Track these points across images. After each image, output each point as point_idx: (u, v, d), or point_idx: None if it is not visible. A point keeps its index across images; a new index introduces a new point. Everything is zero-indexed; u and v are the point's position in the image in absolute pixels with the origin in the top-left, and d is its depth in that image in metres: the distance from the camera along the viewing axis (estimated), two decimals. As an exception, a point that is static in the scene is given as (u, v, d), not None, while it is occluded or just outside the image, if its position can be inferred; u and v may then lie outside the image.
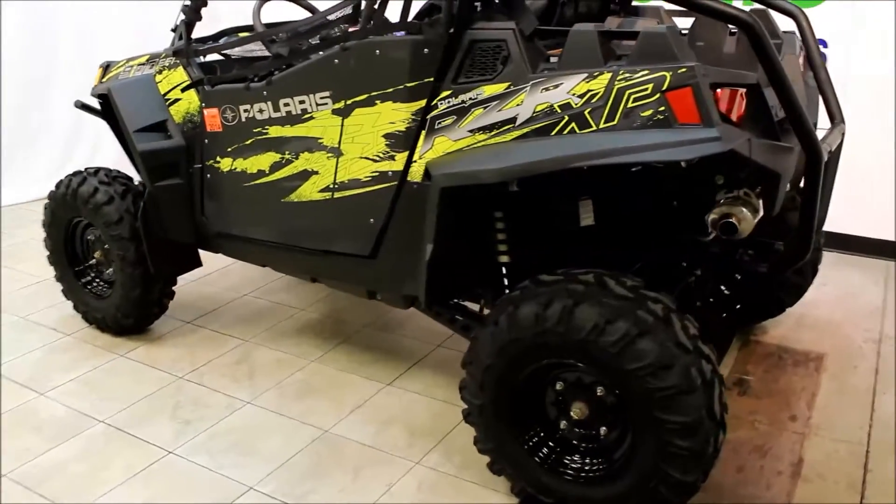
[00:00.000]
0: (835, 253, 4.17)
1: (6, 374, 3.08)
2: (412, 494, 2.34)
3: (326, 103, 2.47)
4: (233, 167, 2.82)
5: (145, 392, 2.93)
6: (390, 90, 2.30)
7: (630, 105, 1.91)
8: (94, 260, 3.32)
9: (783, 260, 2.45)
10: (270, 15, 3.05)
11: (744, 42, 2.83)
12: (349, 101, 2.41)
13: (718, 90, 1.91)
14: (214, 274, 3.99)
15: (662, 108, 1.87)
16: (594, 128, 1.96)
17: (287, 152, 2.63)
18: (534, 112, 2.05)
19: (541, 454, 2.16)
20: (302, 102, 2.53)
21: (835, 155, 2.52)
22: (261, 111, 2.66)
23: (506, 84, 2.11)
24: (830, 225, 4.10)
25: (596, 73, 1.96)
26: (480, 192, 2.24)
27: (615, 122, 1.93)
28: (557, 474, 2.13)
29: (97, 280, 3.35)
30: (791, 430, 2.64)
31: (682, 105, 1.85)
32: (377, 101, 2.34)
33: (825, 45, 3.95)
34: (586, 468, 2.12)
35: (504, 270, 2.50)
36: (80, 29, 5.53)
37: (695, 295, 2.65)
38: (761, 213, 2.22)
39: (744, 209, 2.23)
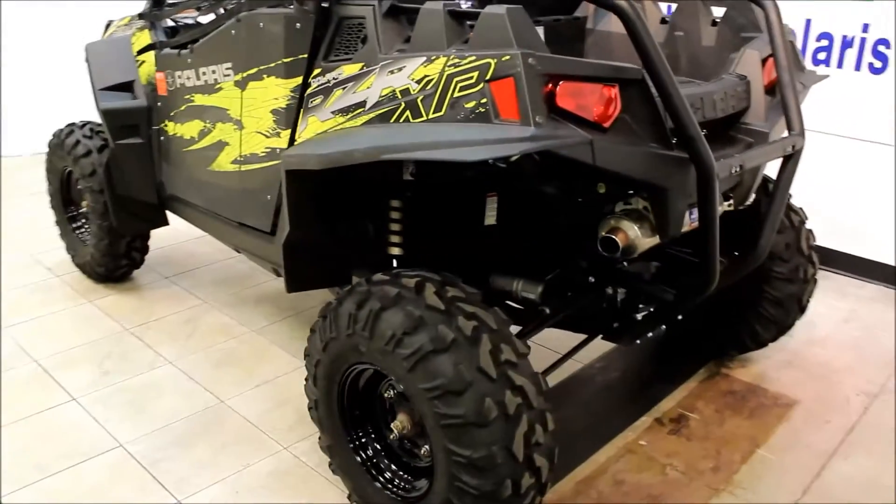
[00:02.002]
0: (879, 286, 3.60)
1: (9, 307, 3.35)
2: (259, 479, 2.29)
3: (229, 75, 2.42)
4: (174, 132, 2.85)
5: (89, 339, 3.06)
6: (272, 65, 2.22)
7: (456, 95, 1.70)
8: (83, 208, 3.51)
9: (688, 290, 2.13)
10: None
11: (723, 34, 2.48)
12: (244, 74, 2.35)
13: (564, 83, 1.65)
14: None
15: (484, 101, 1.64)
16: (424, 117, 1.77)
17: (207, 121, 2.62)
18: (380, 96, 1.88)
19: (363, 454, 2.03)
20: (214, 73, 2.50)
21: (784, 173, 2.14)
22: (188, 78, 2.66)
23: (360, 65, 1.96)
24: (875, 254, 3.55)
25: (433, 58, 1.76)
26: (374, 178, 2.12)
27: (442, 113, 1.72)
28: (373, 479, 2.00)
29: (85, 227, 3.54)
30: (703, 483, 2.30)
31: (504, 98, 1.61)
32: (264, 76, 2.26)
33: (887, 46, 3.36)
34: (394, 483, 1.97)
35: (395, 263, 2.35)
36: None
37: (613, 312, 2.37)
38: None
39: (633, 225, 1.96)
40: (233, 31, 2.34)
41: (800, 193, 3.75)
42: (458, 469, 1.69)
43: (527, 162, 1.86)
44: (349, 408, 2.04)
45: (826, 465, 2.38)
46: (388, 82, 1.86)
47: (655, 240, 1.99)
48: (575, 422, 2.59)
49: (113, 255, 3.35)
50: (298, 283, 2.27)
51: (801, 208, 2.77)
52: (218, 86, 2.49)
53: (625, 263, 2.40)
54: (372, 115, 1.90)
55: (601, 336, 2.39)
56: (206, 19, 2.68)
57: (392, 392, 1.96)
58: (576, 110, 1.66)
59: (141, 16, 3.01)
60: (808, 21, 3.57)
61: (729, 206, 2.29)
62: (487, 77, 1.64)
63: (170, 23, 3.01)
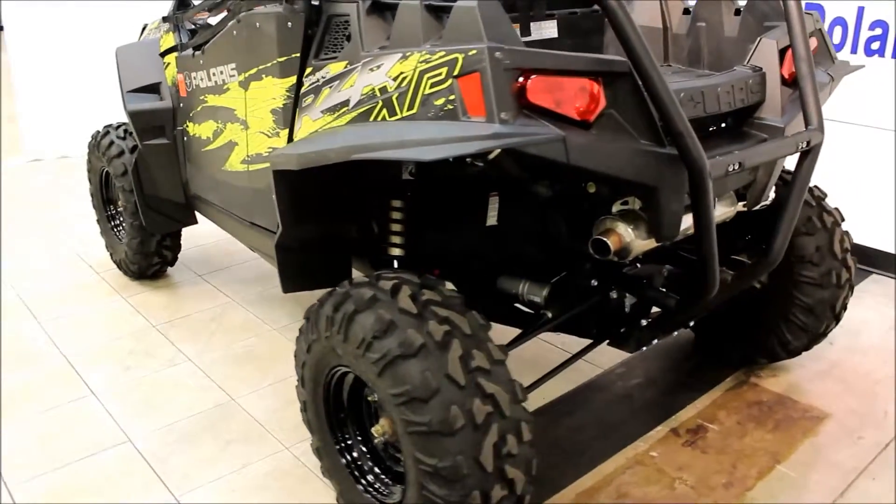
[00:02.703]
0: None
1: (26, 295, 3.49)
2: (257, 479, 2.29)
3: (234, 75, 2.44)
4: (194, 132, 2.90)
5: (117, 335, 3.16)
6: (269, 64, 2.21)
7: (427, 91, 1.64)
8: (121, 206, 3.62)
9: (690, 296, 2.02)
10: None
11: (746, 24, 2.34)
12: (246, 75, 2.36)
13: (537, 78, 1.57)
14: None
15: (453, 97, 1.58)
16: (399, 115, 1.72)
17: (219, 121, 2.65)
18: (361, 94, 1.84)
19: (348, 457, 2.01)
20: (222, 73, 2.52)
21: (801, 170, 1.99)
22: (202, 80, 2.69)
23: (345, 63, 1.93)
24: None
25: (408, 54, 1.71)
26: (377, 178, 2.10)
27: (415, 111, 1.67)
28: (356, 481, 1.98)
29: (122, 225, 3.66)
30: (713, 499, 2.17)
31: (471, 94, 1.55)
32: (263, 76, 2.26)
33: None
34: (376, 487, 1.94)
35: (395, 264, 2.32)
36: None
37: (619, 317, 2.26)
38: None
39: (627, 227, 1.86)
40: (234, 32, 2.36)
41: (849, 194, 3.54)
42: (424, 478, 1.64)
43: (507, 161, 1.79)
44: (335, 410, 2.02)
45: (852, 484, 2.22)
46: (368, 80, 1.82)
47: (651, 242, 1.88)
48: (585, 430, 2.49)
49: (144, 254, 3.44)
50: (293, 283, 2.26)
51: (836, 209, 2.59)
52: (226, 86, 2.52)
53: (637, 265, 2.30)
54: (354, 113, 1.87)
55: (607, 342, 2.29)
56: (217, 21, 2.70)
57: (375, 395, 1.93)
58: (553, 106, 1.58)
59: (165, 18, 3.07)
60: (861, 9, 3.34)
61: (743, 206, 2.16)
62: (455, 73, 1.58)
63: (191, 25, 3.07)
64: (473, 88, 1.54)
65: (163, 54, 3.05)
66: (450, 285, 1.85)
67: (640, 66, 1.60)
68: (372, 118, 1.80)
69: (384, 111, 1.76)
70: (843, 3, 3.37)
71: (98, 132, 3.51)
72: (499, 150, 1.69)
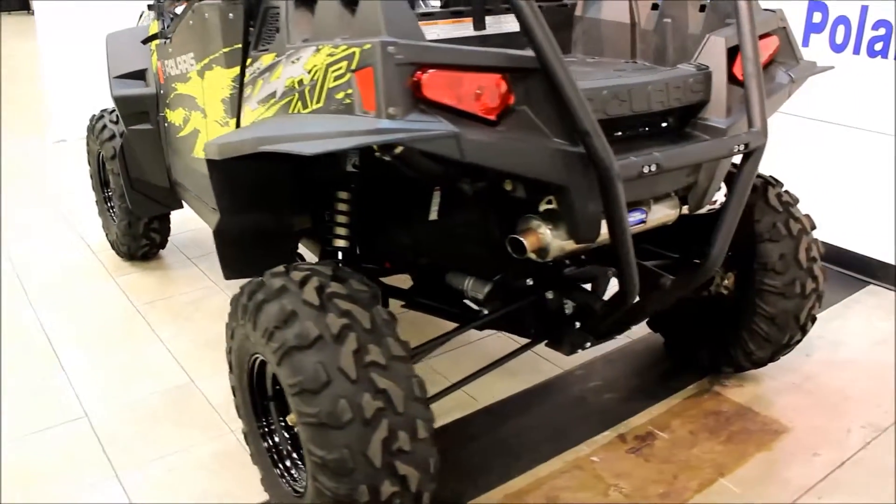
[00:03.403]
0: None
1: (22, 272, 3.62)
2: (199, 460, 2.34)
3: (193, 64, 2.47)
4: (170, 119, 2.96)
5: (99, 315, 3.26)
6: (217, 55, 2.24)
7: (331, 85, 1.64)
8: (111, 189, 3.72)
9: (613, 301, 1.97)
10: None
11: (710, 20, 2.26)
12: (201, 64, 2.39)
13: (433, 73, 1.54)
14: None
15: (350, 91, 1.58)
16: (309, 108, 1.72)
17: (186, 109, 2.69)
18: (284, 87, 1.85)
19: (269, 442, 2.04)
20: (184, 62, 2.56)
21: (742, 174, 1.92)
22: (172, 67, 2.74)
23: (274, 55, 1.94)
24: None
25: (320, 47, 1.70)
26: (323, 171, 2.11)
27: (321, 104, 1.67)
28: (274, 466, 2.00)
29: (116, 207, 3.76)
30: (645, 509, 2.13)
31: (366, 88, 1.54)
32: (213, 66, 2.29)
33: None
34: (290, 474, 1.96)
35: (339, 256, 2.33)
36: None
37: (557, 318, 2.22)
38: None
39: (546, 226, 1.83)
40: (190, 22, 2.39)
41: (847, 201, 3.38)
42: (315, 469, 1.65)
43: (416, 156, 1.76)
44: (260, 396, 2.04)
45: (795, 503, 2.13)
46: (290, 72, 1.83)
47: (571, 244, 1.84)
48: (531, 431, 2.46)
49: (133, 236, 3.53)
50: (233, 270, 2.29)
51: (806, 216, 2.48)
52: (188, 75, 2.55)
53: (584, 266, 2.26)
54: (278, 105, 1.88)
55: (545, 343, 2.25)
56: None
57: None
58: (454, 102, 1.56)
59: (150, 6, 3.13)
60: (865, 8, 3.18)
61: (685, 209, 2.09)
62: (353, 67, 1.57)
63: (178, 11, 3.12)
64: (367, 83, 1.53)
65: (146, 41, 3.12)
66: (362, 278, 1.84)
67: (545, 63, 1.56)
68: (290, 110, 1.81)
69: (299, 103, 1.76)
70: (846, 3, 3.22)
71: (94, 115, 3.61)
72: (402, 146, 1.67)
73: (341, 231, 2.30)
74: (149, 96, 3.14)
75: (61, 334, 3.11)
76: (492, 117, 1.61)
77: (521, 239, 1.82)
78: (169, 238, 3.74)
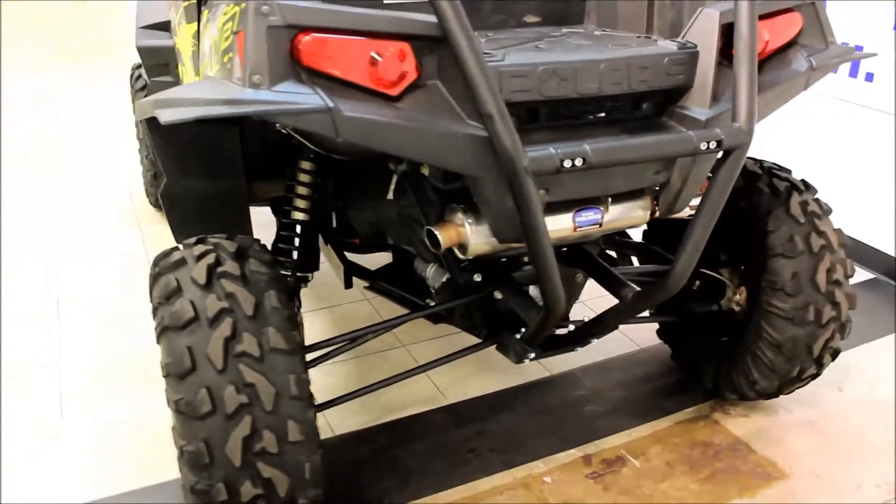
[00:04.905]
0: None
1: (56, 218, 3.75)
2: (143, 419, 2.31)
3: (176, 18, 2.39)
4: (179, 72, 2.91)
5: (111, 264, 3.31)
6: (182, 8, 2.14)
7: (223, 47, 1.49)
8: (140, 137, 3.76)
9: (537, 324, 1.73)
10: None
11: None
12: (178, 17, 2.30)
13: (314, 38, 1.35)
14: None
15: (231, 55, 1.42)
16: (213, 71, 1.58)
17: (181, 63, 2.62)
18: (208, 47, 1.71)
19: None
20: (177, 15, 2.48)
21: (717, 178, 1.60)
22: (174, 20, 2.67)
23: (208, 11, 1.80)
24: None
25: (228, 5, 1.54)
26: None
27: (218, 68, 1.53)
28: None
29: (144, 157, 3.80)
30: (582, 545, 1.89)
31: (241, 52, 1.37)
32: (181, 21, 2.20)
33: None
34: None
35: (298, 229, 2.19)
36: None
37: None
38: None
39: (466, 221, 1.63)
40: (168, -27, 2.30)
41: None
42: (179, 457, 1.55)
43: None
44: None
45: (760, 565, 1.83)
46: (212, 31, 1.68)
47: (495, 243, 1.62)
48: (488, 437, 2.25)
49: (157, 186, 3.56)
50: (183, 234, 2.20)
51: (837, 230, 2.10)
52: (177, 28, 2.48)
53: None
54: (202, 66, 1.76)
55: (496, 347, 2.04)
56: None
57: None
58: (337, 72, 1.37)
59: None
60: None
61: (655, 214, 1.79)
62: (235, 28, 1.41)
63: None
64: (241, 46, 1.37)
65: None
66: (269, 259, 1.70)
67: (447, 32, 1.34)
68: (202, 73, 1.68)
69: (210, 65, 1.63)
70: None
71: (134, 65, 3.64)
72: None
73: (301, 203, 2.16)
74: (169, 48, 3.10)
75: (68, 279, 3.17)
76: (392, 92, 1.41)
77: (436, 232, 1.62)
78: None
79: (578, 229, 1.70)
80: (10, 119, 5.34)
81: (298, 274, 2.17)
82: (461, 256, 1.68)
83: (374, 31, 1.37)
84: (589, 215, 1.70)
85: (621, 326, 2.17)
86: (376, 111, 1.38)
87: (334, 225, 2.44)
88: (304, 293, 3.01)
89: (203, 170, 2.08)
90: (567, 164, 1.41)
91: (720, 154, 1.60)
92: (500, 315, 1.97)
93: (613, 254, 2.37)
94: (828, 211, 2.12)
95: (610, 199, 1.72)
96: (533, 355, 1.89)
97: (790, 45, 1.82)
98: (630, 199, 1.75)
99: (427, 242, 1.67)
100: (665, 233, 2.28)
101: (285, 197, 2.19)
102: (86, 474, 2.12)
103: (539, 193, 1.55)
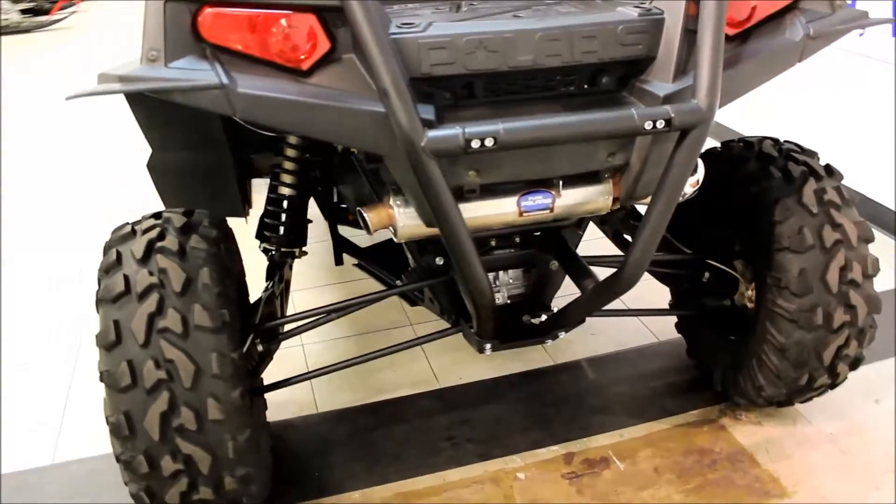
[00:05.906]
0: None
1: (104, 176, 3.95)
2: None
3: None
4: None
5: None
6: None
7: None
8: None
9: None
10: None
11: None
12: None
13: (210, 10, 1.31)
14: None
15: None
16: (150, 46, 1.58)
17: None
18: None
19: None
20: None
21: (673, 163, 1.44)
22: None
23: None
24: None
25: (161, -23, 1.53)
26: None
27: (144, 43, 1.52)
28: None
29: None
30: (538, 549, 1.79)
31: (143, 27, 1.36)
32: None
33: None
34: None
35: (285, 204, 2.19)
36: None
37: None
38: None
39: (396, 204, 1.56)
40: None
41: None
42: (108, 427, 1.58)
43: None
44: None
45: (727, 591, 1.66)
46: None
47: (423, 226, 1.53)
48: (468, 426, 2.17)
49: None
50: (170, 206, 2.24)
51: (859, 223, 1.84)
52: None
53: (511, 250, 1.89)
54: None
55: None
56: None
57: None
58: (239, 46, 1.33)
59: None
60: None
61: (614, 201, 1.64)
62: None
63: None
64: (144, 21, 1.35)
65: None
66: (215, 235, 1.69)
67: (357, 34, 1.27)
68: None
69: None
70: None
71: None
72: None
73: (287, 178, 2.15)
74: None
75: (89, 239, 3.32)
76: (301, 67, 1.35)
77: (365, 213, 1.55)
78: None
79: (525, 214, 1.58)
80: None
81: (284, 249, 2.17)
82: (395, 240, 1.61)
83: (277, 3, 1.32)
84: (537, 199, 1.57)
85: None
86: (279, 87, 1.33)
87: (335, 199, 2.42)
88: (318, 268, 3.04)
89: (184, 142, 2.11)
90: (475, 144, 1.30)
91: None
92: (461, 301, 1.88)
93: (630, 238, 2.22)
94: (849, 201, 1.86)
95: (561, 183, 1.58)
96: (489, 346, 1.79)
97: (789, 9, 1.59)
98: (586, 184, 1.60)
99: (361, 224, 1.61)
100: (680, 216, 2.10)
101: (273, 171, 2.19)
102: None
103: (470, 175, 1.47)
